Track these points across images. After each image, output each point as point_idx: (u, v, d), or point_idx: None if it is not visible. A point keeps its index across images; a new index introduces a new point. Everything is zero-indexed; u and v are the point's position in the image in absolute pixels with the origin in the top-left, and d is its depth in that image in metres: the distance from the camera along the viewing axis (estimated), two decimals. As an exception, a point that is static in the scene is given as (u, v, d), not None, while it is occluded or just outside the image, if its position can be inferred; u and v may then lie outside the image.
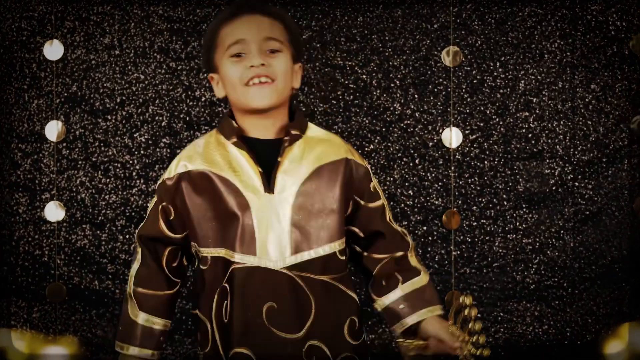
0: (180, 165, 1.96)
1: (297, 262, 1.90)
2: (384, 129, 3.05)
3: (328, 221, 1.93)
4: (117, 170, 3.04)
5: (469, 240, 3.06)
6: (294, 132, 1.95)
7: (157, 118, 3.04)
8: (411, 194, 3.05)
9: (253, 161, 1.92)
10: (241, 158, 1.93)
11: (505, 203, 3.06)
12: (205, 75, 1.88)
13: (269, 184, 1.91)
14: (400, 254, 2.02)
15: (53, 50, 3.02)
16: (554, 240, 3.06)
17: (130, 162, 3.04)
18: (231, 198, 1.90)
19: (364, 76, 3.05)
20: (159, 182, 1.98)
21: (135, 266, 2.01)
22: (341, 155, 1.97)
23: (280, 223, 1.90)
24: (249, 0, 2.00)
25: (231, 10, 1.99)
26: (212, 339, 1.94)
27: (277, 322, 1.89)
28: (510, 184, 3.06)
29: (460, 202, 3.05)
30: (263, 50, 1.92)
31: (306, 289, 1.91)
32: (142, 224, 2.01)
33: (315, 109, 3.05)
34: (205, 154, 1.95)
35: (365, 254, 2.03)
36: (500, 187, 3.06)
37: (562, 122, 3.05)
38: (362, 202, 2.00)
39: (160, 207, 1.96)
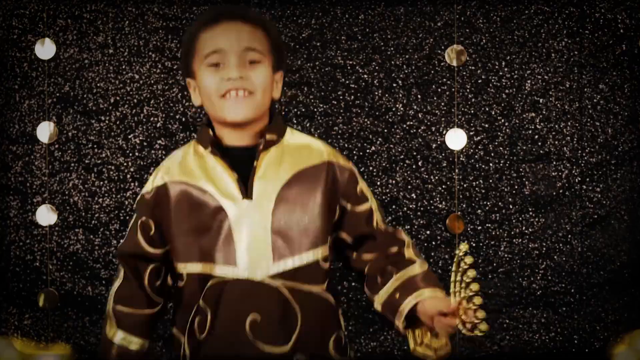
0: (157, 178, 1.96)
1: (281, 270, 1.88)
2: (385, 130, 3.04)
3: (310, 227, 1.90)
4: (111, 172, 3.04)
5: (474, 244, 3.05)
6: (269, 136, 1.93)
7: (152, 119, 3.04)
8: (414, 197, 3.05)
9: (229, 168, 1.91)
10: (217, 166, 1.92)
11: (510, 206, 3.05)
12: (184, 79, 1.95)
13: (246, 190, 1.89)
14: (394, 250, 1.98)
15: (45, 49, 3.02)
16: (561, 244, 3.06)
17: (125, 164, 3.04)
18: (209, 208, 1.89)
19: (365, 76, 3.04)
20: (138, 197, 1.98)
21: (116, 284, 2.01)
22: (322, 159, 1.95)
23: (260, 229, 1.88)
24: (230, 5, 1.97)
25: (211, 15, 1.96)
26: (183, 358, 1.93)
27: (261, 335, 1.87)
28: (516, 187, 3.06)
29: (464, 205, 3.05)
30: (242, 61, 1.90)
31: (292, 301, 1.88)
32: (122, 241, 2.01)
33: (315, 110, 3.04)
34: (183, 165, 1.95)
35: (355, 255, 2.00)
36: (505, 190, 3.06)
37: (569, 123, 3.05)
38: (349, 207, 1.97)
39: (139, 222, 1.97)
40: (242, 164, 1.91)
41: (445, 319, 1.77)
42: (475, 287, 1.70)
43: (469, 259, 1.71)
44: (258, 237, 1.87)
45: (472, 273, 1.71)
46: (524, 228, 3.05)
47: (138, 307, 1.97)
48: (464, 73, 3.04)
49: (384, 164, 3.04)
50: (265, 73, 1.92)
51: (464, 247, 1.73)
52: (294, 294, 1.88)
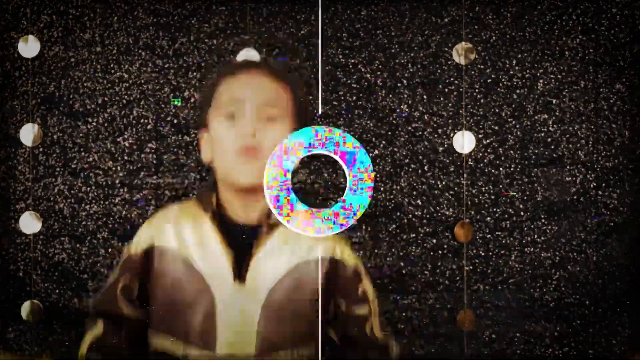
0: (146, 237, 1.88)
1: None
2: (389, 133, 3.00)
3: (302, 324, 1.83)
4: (99, 177, 3.00)
5: (483, 254, 3.01)
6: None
7: (142, 121, 3.00)
8: (419, 203, 3.00)
9: (226, 244, 1.83)
10: (213, 238, 1.84)
11: (522, 213, 3.01)
12: (193, 74, 1.89)
13: (239, 273, 1.81)
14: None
15: (28, 47, 2.99)
16: (575, 254, 3.01)
17: (113, 168, 3.00)
18: (195, 283, 1.82)
19: (368, 75, 3.01)
20: (124, 254, 1.90)
21: (89, 335, 1.94)
22: (327, 252, 1.88)
23: (247, 317, 1.80)
24: (253, 59, 1.98)
25: (234, 65, 1.95)
26: None
27: None
28: (527, 193, 3.02)
29: (473, 212, 3.01)
30: (258, 116, 1.85)
31: None
32: (98, 296, 1.95)
33: (315, 111, 2.96)
34: (176, 228, 1.87)
35: None
36: (516, 196, 3.02)
37: (584, 125, 3.02)
38: (343, 307, 1.90)
39: (122, 283, 1.91)
40: (242, 241, 1.83)
41: None
42: None
43: None
44: (244, 325, 1.79)
45: None
46: (536, 236, 3.01)
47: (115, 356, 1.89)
48: (473, 72, 3.01)
49: (388, 169, 3.00)
50: (282, 133, 1.86)
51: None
52: None
